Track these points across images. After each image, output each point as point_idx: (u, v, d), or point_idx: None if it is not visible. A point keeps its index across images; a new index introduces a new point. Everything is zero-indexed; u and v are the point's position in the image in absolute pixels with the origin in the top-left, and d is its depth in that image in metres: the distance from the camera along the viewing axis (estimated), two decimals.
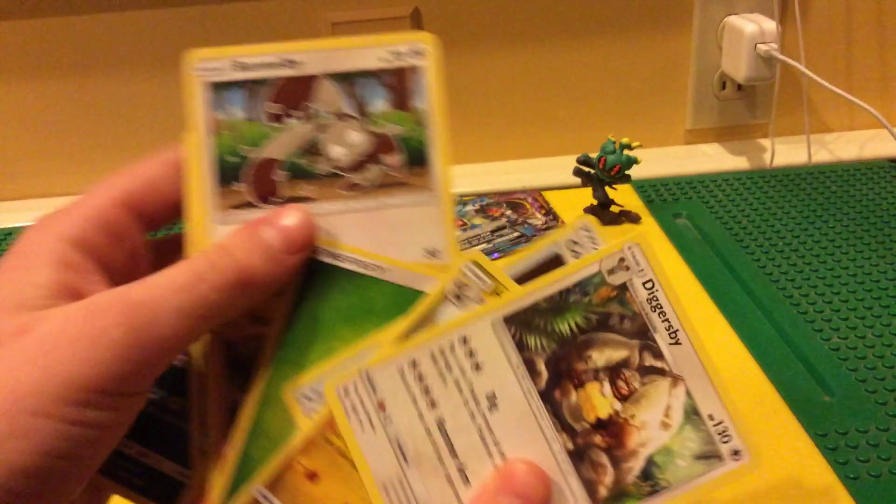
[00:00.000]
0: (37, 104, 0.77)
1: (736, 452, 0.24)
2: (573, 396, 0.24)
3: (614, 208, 0.65)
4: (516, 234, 0.63)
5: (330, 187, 0.27)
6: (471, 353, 0.25)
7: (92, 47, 0.75)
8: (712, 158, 0.81)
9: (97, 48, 0.75)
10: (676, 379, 0.25)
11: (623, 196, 0.66)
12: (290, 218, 0.26)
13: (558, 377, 0.25)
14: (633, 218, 0.64)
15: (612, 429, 0.24)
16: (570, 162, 0.64)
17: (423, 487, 0.24)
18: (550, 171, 0.79)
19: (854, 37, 0.79)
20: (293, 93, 0.27)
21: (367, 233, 0.27)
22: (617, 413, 0.24)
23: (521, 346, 0.25)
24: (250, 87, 0.27)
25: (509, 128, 0.81)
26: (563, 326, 0.25)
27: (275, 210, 0.26)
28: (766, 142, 0.82)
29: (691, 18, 0.77)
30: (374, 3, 0.74)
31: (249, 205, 0.27)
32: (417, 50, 0.27)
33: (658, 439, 0.24)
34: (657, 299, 0.25)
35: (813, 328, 0.51)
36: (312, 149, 0.27)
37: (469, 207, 0.68)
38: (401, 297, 0.26)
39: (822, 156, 0.80)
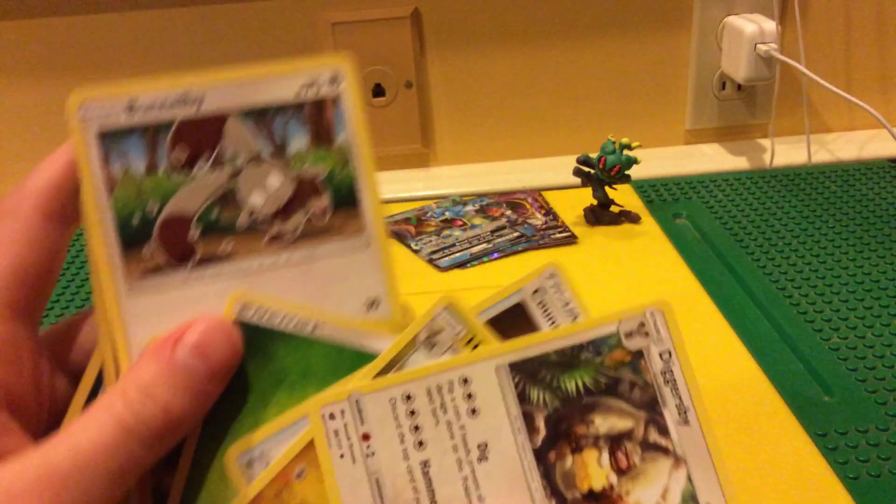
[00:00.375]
0: (37, 104, 0.77)
1: None
2: (569, 461, 0.23)
3: (614, 208, 0.65)
4: (516, 234, 0.63)
5: (251, 241, 0.24)
6: (469, 396, 0.23)
7: (92, 47, 0.75)
8: (712, 158, 0.81)
9: (97, 48, 0.75)
10: (679, 461, 0.23)
11: (623, 196, 0.66)
12: (206, 333, 0.23)
13: (556, 438, 0.23)
14: (633, 218, 0.64)
15: (604, 503, 0.23)
16: (570, 162, 0.64)
17: None
18: (550, 171, 0.79)
19: (854, 37, 0.79)
20: (199, 135, 0.24)
21: (298, 288, 0.24)
22: (612, 487, 0.23)
23: (522, 398, 0.23)
24: (149, 132, 0.23)
25: (509, 128, 0.81)
26: (570, 384, 0.23)
27: (187, 324, 0.23)
28: (765, 142, 0.82)
29: (691, 18, 0.77)
30: (374, 3, 0.74)
31: (162, 269, 0.24)
32: (335, 75, 0.24)
33: None
34: (672, 373, 0.24)
35: (813, 328, 0.51)
36: (228, 198, 0.24)
37: (469, 207, 0.68)
38: (340, 358, 0.24)
39: (822, 156, 0.80)
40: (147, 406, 0.21)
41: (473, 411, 0.23)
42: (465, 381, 0.23)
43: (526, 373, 0.23)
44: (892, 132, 0.71)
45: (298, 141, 0.24)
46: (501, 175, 0.80)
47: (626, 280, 0.57)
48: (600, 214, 0.64)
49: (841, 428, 0.42)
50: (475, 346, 0.24)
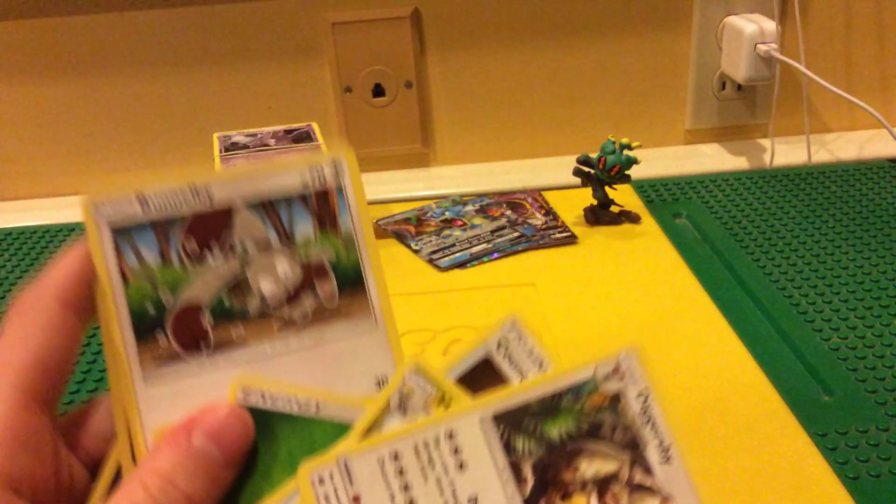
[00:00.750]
0: (37, 104, 0.77)
1: None
2: None
3: (614, 208, 0.65)
4: (516, 234, 0.63)
5: (263, 326, 0.25)
6: (456, 451, 0.23)
7: (92, 47, 0.75)
8: (712, 158, 0.81)
9: (97, 48, 0.75)
10: (666, 499, 0.23)
11: (623, 196, 0.66)
12: (221, 420, 0.23)
13: (544, 486, 0.23)
14: (632, 218, 0.64)
15: None
16: (570, 162, 0.64)
17: None
18: (550, 171, 0.79)
19: (854, 37, 0.79)
20: (209, 227, 0.24)
21: (309, 371, 0.25)
22: None
23: (508, 448, 0.23)
24: (161, 225, 0.24)
25: (509, 128, 0.81)
26: (553, 431, 0.23)
27: (201, 411, 0.23)
28: (765, 142, 0.82)
29: (691, 18, 0.77)
30: (374, 3, 0.74)
31: (177, 357, 0.24)
32: (336, 166, 0.25)
33: None
34: (649, 414, 0.24)
35: (813, 328, 0.51)
36: (239, 286, 0.25)
37: (469, 207, 0.68)
38: (344, 435, 0.24)
39: (821, 156, 0.80)
40: (169, 495, 0.22)
41: (461, 465, 0.23)
42: (451, 435, 0.23)
43: (510, 423, 0.24)
44: (892, 132, 0.71)
45: (304, 228, 0.25)
46: (501, 175, 0.80)
47: (626, 280, 0.57)
48: (600, 214, 0.64)
49: (841, 428, 0.42)
50: (447, 406, 0.24)
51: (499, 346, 0.26)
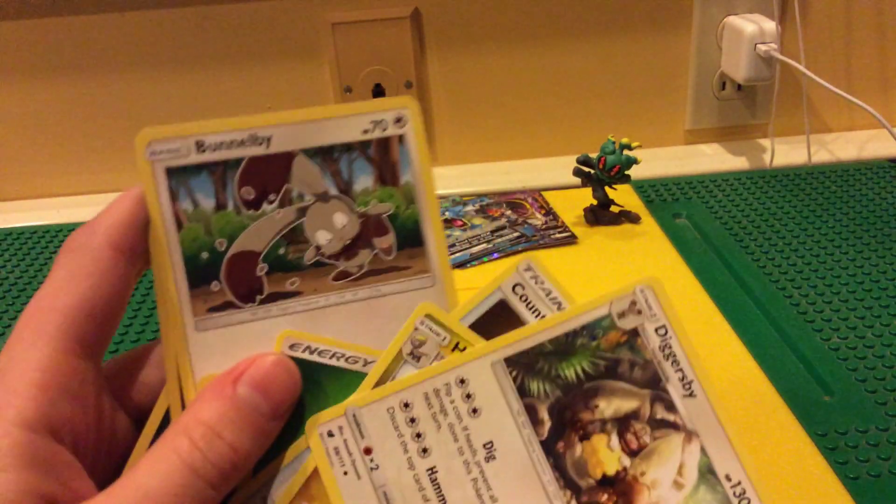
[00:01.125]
0: (37, 104, 0.77)
1: None
2: (578, 449, 0.23)
3: (614, 208, 0.65)
4: (516, 234, 0.63)
5: (317, 278, 0.24)
6: (468, 396, 0.23)
7: (92, 47, 0.75)
8: (712, 158, 0.81)
9: (97, 48, 0.75)
10: (691, 435, 0.23)
11: (623, 196, 0.66)
12: (268, 370, 0.23)
13: (562, 427, 0.23)
14: (632, 218, 0.64)
15: (620, 487, 0.22)
16: (570, 162, 0.64)
17: None
18: (550, 171, 0.79)
19: (854, 37, 0.79)
20: (267, 174, 0.24)
21: (363, 325, 0.24)
22: (625, 469, 0.22)
23: (522, 391, 0.23)
24: (217, 170, 0.24)
25: (509, 128, 0.81)
26: (569, 371, 0.23)
27: (247, 361, 0.23)
28: (765, 142, 0.82)
29: (691, 19, 0.77)
30: (374, 3, 0.74)
31: (229, 305, 0.24)
32: (400, 116, 0.24)
33: (670, 500, 0.22)
34: (670, 347, 0.23)
35: (813, 328, 0.51)
36: (294, 236, 0.24)
37: (469, 207, 0.68)
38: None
39: (821, 156, 0.80)
40: (215, 446, 0.21)
41: (475, 411, 0.23)
42: (462, 381, 0.23)
43: (523, 366, 0.23)
44: (892, 132, 0.71)
45: (364, 180, 0.24)
46: (501, 175, 0.80)
47: (626, 280, 0.56)
48: (600, 214, 0.64)
49: (841, 428, 0.42)
50: (461, 352, 0.24)
51: (514, 288, 0.25)
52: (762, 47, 0.72)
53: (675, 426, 0.23)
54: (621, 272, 0.58)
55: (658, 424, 0.23)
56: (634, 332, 0.23)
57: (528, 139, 0.82)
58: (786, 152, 0.80)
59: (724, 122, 0.82)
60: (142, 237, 0.24)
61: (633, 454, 0.23)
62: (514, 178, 0.79)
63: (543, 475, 0.22)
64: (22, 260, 0.66)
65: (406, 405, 0.23)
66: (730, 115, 0.82)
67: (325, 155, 0.24)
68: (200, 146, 0.23)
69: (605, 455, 0.23)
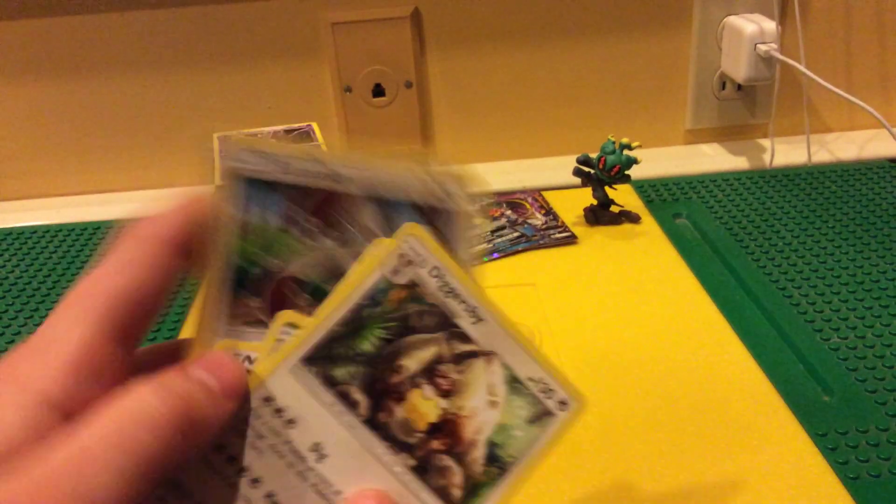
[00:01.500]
0: (37, 104, 0.77)
1: (563, 403, 0.24)
2: (399, 412, 0.23)
3: (614, 208, 0.65)
4: (516, 234, 0.63)
5: None
6: (279, 412, 0.23)
7: (92, 47, 0.75)
8: (712, 158, 0.81)
9: (97, 48, 0.75)
10: (489, 355, 0.24)
11: (623, 196, 0.66)
12: (219, 360, 0.23)
13: (378, 399, 0.23)
14: (632, 218, 0.64)
15: (447, 428, 0.24)
16: (570, 162, 0.64)
17: None
18: (550, 171, 0.79)
19: (854, 37, 0.79)
20: (337, 211, 0.24)
21: None
22: (446, 411, 0.24)
23: (330, 383, 0.23)
24: (294, 194, 0.24)
25: (509, 128, 0.81)
26: (366, 345, 0.23)
27: (202, 354, 0.23)
28: (765, 142, 0.82)
29: (691, 18, 0.77)
30: (374, 3, 0.74)
31: (260, 323, 0.24)
32: (458, 187, 0.25)
33: (491, 420, 0.24)
34: (448, 284, 0.24)
35: (813, 328, 0.51)
36: (338, 273, 0.24)
37: None
38: None
39: (821, 156, 0.80)
40: (160, 393, 0.21)
41: (290, 422, 0.23)
42: (268, 399, 0.23)
43: (321, 359, 0.23)
44: (892, 132, 0.71)
45: None
46: (501, 175, 0.80)
47: (626, 280, 0.57)
48: (600, 214, 0.64)
49: (841, 428, 0.42)
50: None
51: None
52: (762, 47, 0.72)
53: (474, 354, 0.24)
54: (621, 272, 0.58)
55: (460, 358, 0.24)
56: (413, 283, 0.24)
57: (528, 139, 0.82)
58: (786, 152, 0.80)
59: (724, 122, 0.82)
60: (195, 237, 0.24)
61: (447, 395, 0.24)
62: (514, 178, 0.79)
63: (377, 450, 0.23)
64: (22, 260, 0.66)
65: (220, 448, 0.23)
66: (730, 114, 0.82)
67: (389, 206, 0.25)
68: (286, 168, 0.24)
69: (424, 406, 0.24)
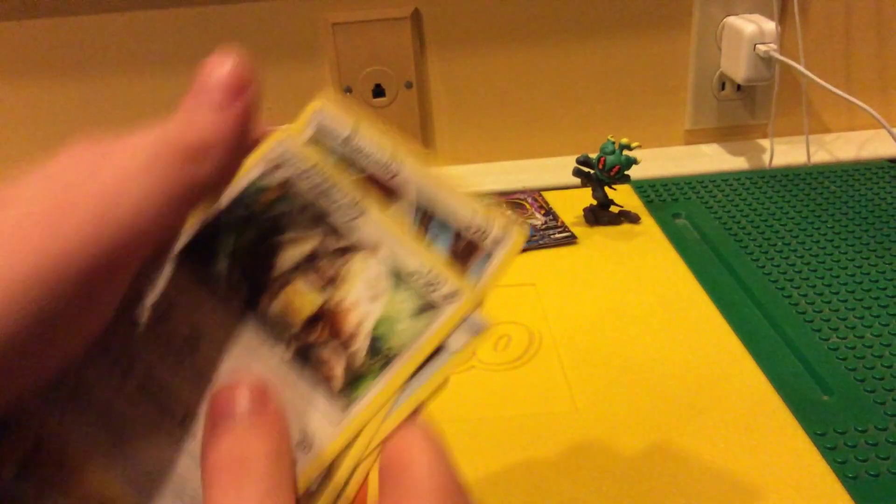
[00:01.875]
0: (37, 104, 0.77)
1: (449, 296, 0.24)
2: (275, 306, 0.23)
3: (614, 209, 0.65)
4: None
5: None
6: (156, 303, 0.23)
7: (92, 47, 0.75)
8: (712, 159, 0.81)
9: (97, 48, 0.75)
10: (373, 248, 0.24)
11: (622, 196, 0.66)
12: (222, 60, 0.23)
13: (254, 294, 0.23)
14: (632, 218, 0.64)
15: (326, 320, 0.23)
16: (570, 162, 0.64)
17: (153, 457, 0.22)
18: (550, 171, 0.79)
19: (853, 37, 0.79)
20: (374, 192, 0.25)
21: None
22: (325, 303, 0.24)
23: (204, 278, 0.23)
24: (342, 163, 0.25)
25: (509, 128, 0.81)
26: (240, 244, 0.24)
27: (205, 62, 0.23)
28: (765, 142, 0.82)
29: (691, 19, 0.77)
30: (374, 3, 0.74)
31: None
32: (500, 238, 0.25)
33: (373, 312, 0.24)
34: (319, 185, 0.24)
35: (812, 328, 0.51)
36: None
37: None
38: None
39: (821, 156, 0.80)
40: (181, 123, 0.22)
41: (166, 312, 0.23)
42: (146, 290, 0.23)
43: (198, 249, 0.24)
44: (892, 132, 0.71)
45: (440, 251, 0.25)
46: (501, 175, 0.80)
47: (626, 280, 0.57)
48: (600, 214, 0.64)
49: (840, 427, 0.42)
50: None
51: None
52: (762, 47, 0.73)
53: (353, 248, 0.24)
54: (621, 272, 0.58)
55: (338, 253, 0.24)
56: (284, 184, 0.24)
57: (528, 139, 0.82)
58: (785, 152, 0.80)
59: (723, 123, 0.82)
60: (245, 147, 0.24)
61: (325, 288, 0.24)
62: (514, 178, 0.79)
63: (252, 342, 0.23)
64: None
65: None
66: (729, 115, 0.82)
67: (425, 216, 0.25)
68: (350, 138, 0.25)
69: (302, 299, 0.24)
